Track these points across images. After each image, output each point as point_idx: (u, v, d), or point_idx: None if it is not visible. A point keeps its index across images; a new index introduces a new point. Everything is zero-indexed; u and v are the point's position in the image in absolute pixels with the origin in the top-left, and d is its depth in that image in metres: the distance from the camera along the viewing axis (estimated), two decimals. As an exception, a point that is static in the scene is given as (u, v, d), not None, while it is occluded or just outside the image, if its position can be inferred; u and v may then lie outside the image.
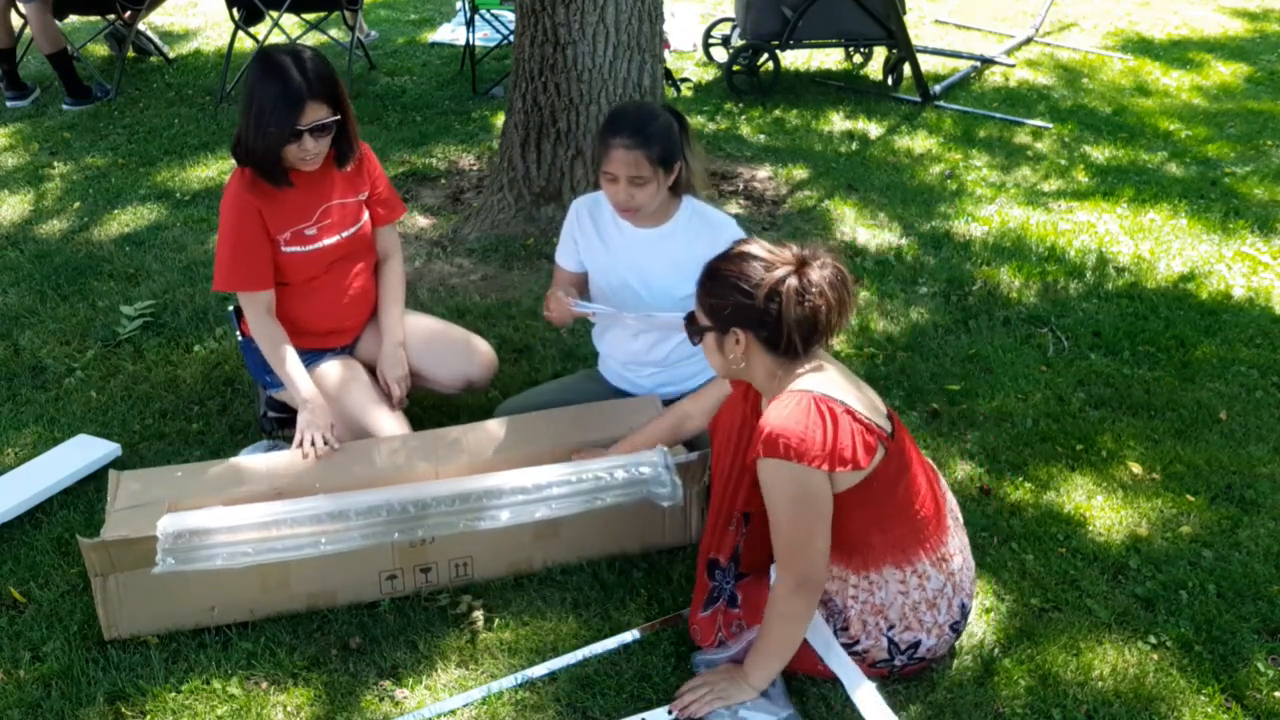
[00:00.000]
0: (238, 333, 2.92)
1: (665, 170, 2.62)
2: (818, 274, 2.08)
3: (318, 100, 2.57)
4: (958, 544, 2.26)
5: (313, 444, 2.57)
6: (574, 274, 2.88)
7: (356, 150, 2.78)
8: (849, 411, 2.06)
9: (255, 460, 2.59)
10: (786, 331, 2.07)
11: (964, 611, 2.26)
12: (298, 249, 2.73)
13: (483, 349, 3.01)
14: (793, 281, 2.06)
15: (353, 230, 2.83)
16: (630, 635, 2.36)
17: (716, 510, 2.32)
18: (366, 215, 2.88)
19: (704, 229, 2.73)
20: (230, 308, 2.97)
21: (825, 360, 2.17)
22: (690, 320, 2.22)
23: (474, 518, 2.38)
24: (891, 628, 2.18)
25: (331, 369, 2.82)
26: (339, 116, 2.64)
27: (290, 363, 2.70)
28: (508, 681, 2.25)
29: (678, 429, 2.58)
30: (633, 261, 2.77)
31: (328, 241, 2.78)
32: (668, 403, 2.84)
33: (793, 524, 2.06)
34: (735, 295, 2.09)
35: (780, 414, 2.04)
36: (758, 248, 2.14)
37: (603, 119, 2.70)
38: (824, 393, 2.06)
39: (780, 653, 2.13)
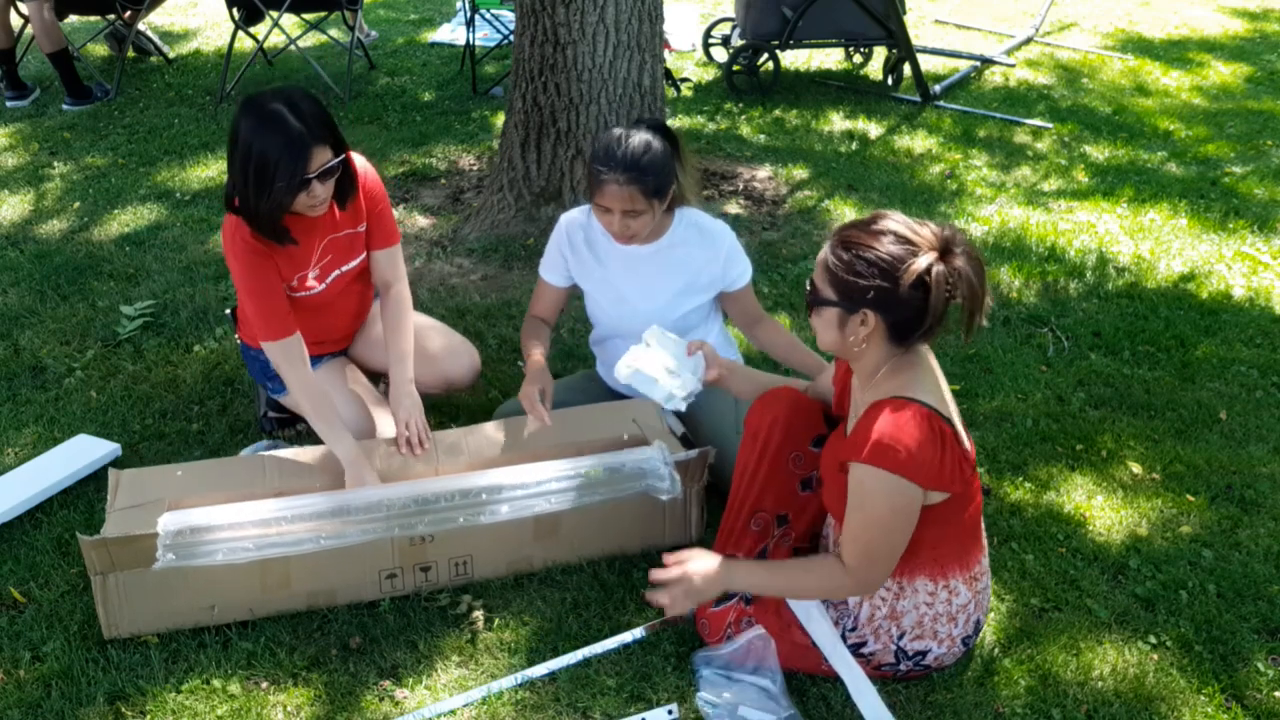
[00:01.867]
0: (237, 336, 2.92)
1: (660, 199, 2.56)
2: (961, 262, 1.94)
3: (321, 144, 2.44)
4: (986, 562, 2.27)
5: None
6: (559, 290, 2.83)
7: (356, 187, 2.65)
8: (955, 435, 2.03)
9: (256, 460, 2.59)
10: (924, 322, 1.97)
11: (978, 627, 2.27)
12: (303, 293, 2.70)
13: (466, 350, 2.98)
14: (940, 268, 1.93)
15: (354, 263, 2.77)
16: (631, 635, 2.36)
17: (737, 507, 2.31)
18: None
19: (700, 239, 2.72)
20: (228, 310, 2.97)
21: (928, 356, 2.11)
22: (812, 291, 2.06)
23: (474, 513, 2.39)
24: (903, 635, 2.19)
25: (329, 371, 2.82)
26: (343, 156, 2.52)
27: (334, 428, 2.55)
28: (508, 681, 2.25)
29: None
30: (630, 277, 2.74)
31: (331, 279, 2.74)
32: None
33: (885, 533, 2.03)
34: (875, 275, 1.94)
35: (896, 424, 1.97)
36: (900, 225, 1.97)
37: (593, 145, 2.58)
38: (934, 408, 2.01)
39: (777, 590, 2.15)
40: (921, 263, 1.92)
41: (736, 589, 2.17)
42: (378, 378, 3.01)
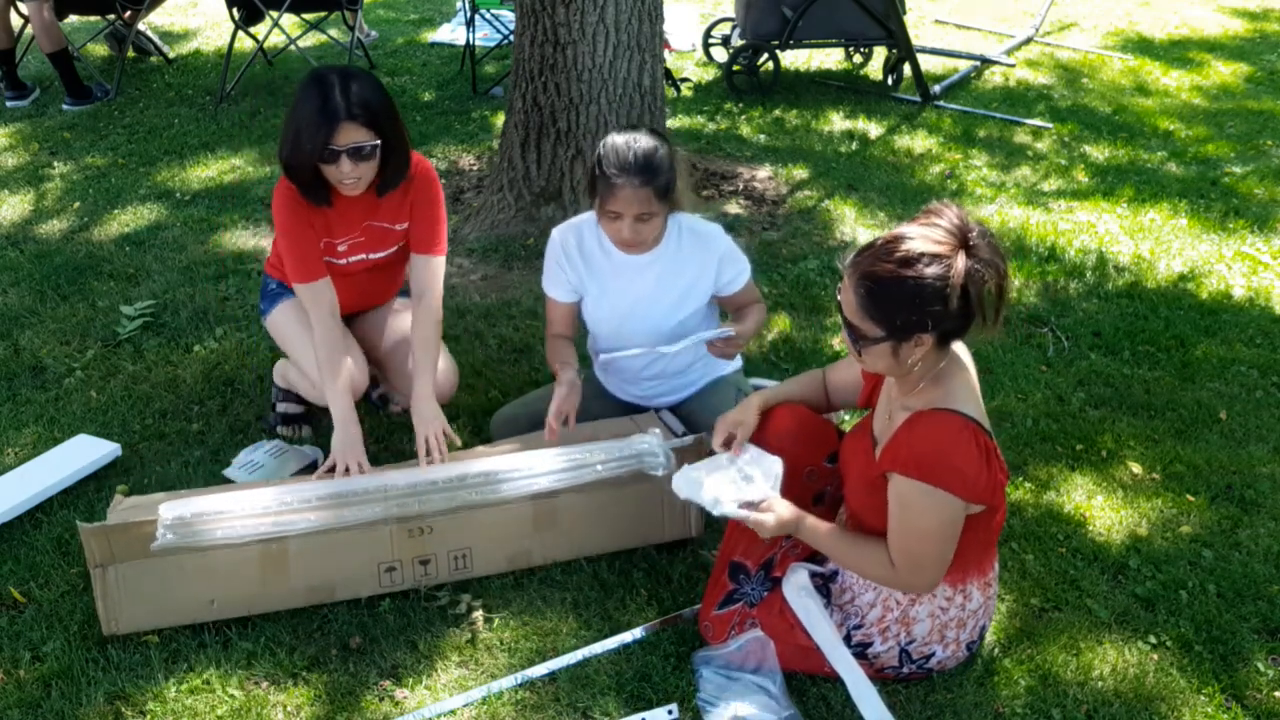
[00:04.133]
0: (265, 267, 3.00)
1: (668, 202, 2.56)
2: (984, 247, 1.91)
3: (355, 123, 2.48)
4: (997, 567, 2.27)
5: (346, 471, 2.52)
6: (568, 305, 2.77)
7: (401, 180, 2.68)
8: (997, 450, 2.04)
9: (258, 487, 2.57)
10: (971, 321, 1.95)
11: (983, 633, 2.27)
12: (327, 259, 2.73)
13: (449, 369, 2.93)
14: (972, 265, 1.89)
15: (384, 254, 2.80)
16: (631, 635, 2.36)
17: None
18: (401, 246, 2.83)
19: (695, 243, 2.70)
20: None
21: (963, 354, 2.10)
22: (853, 333, 2.00)
23: (472, 492, 2.42)
24: (911, 641, 2.19)
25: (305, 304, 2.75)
26: (378, 142, 2.54)
27: (336, 382, 2.61)
28: (508, 681, 2.25)
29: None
30: (626, 289, 2.71)
31: (354, 259, 2.77)
32: (660, 409, 2.86)
33: (934, 544, 2.03)
34: (922, 303, 1.90)
35: (943, 440, 1.97)
36: (921, 240, 1.90)
37: (600, 155, 2.54)
38: (977, 420, 2.01)
39: (832, 556, 2.20)
40: (960, 271, 1.88)
41: (801, 538, 2.20)
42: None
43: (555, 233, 2.76)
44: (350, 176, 2.54)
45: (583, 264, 2.72)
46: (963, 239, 1.91)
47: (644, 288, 2.70)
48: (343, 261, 2.77)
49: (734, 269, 2.72)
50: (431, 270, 2.77)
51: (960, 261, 1.88)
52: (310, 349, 2.73)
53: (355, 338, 2.96)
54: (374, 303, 3.02)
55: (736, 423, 2.32)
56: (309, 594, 2.42)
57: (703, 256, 2.69)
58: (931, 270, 1.88)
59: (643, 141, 2.53)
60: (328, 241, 2.72)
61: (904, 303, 1.91)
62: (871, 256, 1.94)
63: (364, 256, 2.79)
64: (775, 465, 2.25)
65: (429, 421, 2.61)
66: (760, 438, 2.32)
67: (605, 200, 2.53)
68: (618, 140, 2.54)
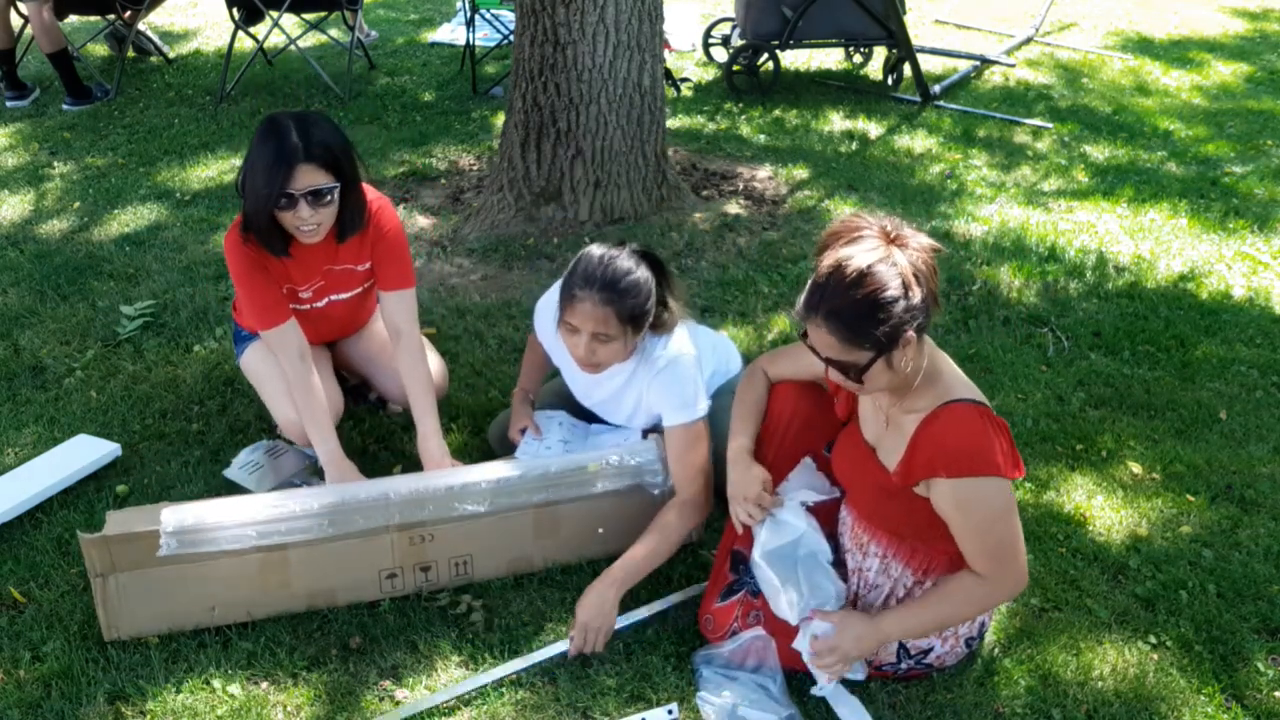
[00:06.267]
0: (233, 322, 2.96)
1: (634, 329, 2.42)
2: (909, 235, 1.95)
3: (313, 164, 2.40)
4: None
5: None
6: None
7: (359, 226, 2.61)
8: (1005, 425, 2.05)
9: (254, 501, 2.57)
10: (933, 304, 1.97)
11: (981, 629, 2.27)
12: (294, 305, 2.71)
13: (435, 367, 2.92)
14: (910, 253, 1.94)
15: (351, 294, 2.79)
16: (649, 610, 2.38)
17: None
18: (368, 284, 2.82)
19: (647, 370, 2.55)
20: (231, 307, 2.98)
21: (939, 350, 2.11)
22: (844, 368, 2.01)
23: (475, 501, 2.43)
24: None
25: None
26: (338, 184, 2.47)
27: (318, 424, 2.61)
28: (507, 680, 2.25)
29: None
30: (591, 386, 2.70)
31: (319, 304, 2.77)
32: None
33: (1006, 529, 2.03)
34: (891, 307, 1.92)
35: (966, 431, 1.99)
36: (859, 255, 1.93)
37: (572, 263, 2.44)
38: (980, 402, 2.03)
39: (930, 627, 2.14)
40: (904, 264, 1.93)
41: (891, 639, 2.16)
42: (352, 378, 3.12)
43: (550, 294, 2.67)
44: (309, 222, 2.46)
45: (555, 340, 2.67)
46: (888, 237, 1.96)
47: (602, 395, 2.70)
48: (307, 307, 2.75)
49: (659, 396, 2.52)
50: (405, 306, 2.72)
51: (899, 256, 1.94)
52: (279, 394, 2.72)
53: (332, 353, 2.98)
54: (352, 331, 3.02)
55: (757, 484, 2.27)
56: (310, 599, 2.42)
57: (647, 375, 2.55)
58: (883, 275, 1.92)
59: (621, 261, 2.40)
60: (290, 288, 2.68)
61: (877, 315, 1.92)
62: (828, 292, 1.96)
63: (333, 299, 2.77)
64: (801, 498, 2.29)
65: (438, 462, 2.63)
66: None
67: (564, 309, 2.43)
68: (594, 251, 2.43)
